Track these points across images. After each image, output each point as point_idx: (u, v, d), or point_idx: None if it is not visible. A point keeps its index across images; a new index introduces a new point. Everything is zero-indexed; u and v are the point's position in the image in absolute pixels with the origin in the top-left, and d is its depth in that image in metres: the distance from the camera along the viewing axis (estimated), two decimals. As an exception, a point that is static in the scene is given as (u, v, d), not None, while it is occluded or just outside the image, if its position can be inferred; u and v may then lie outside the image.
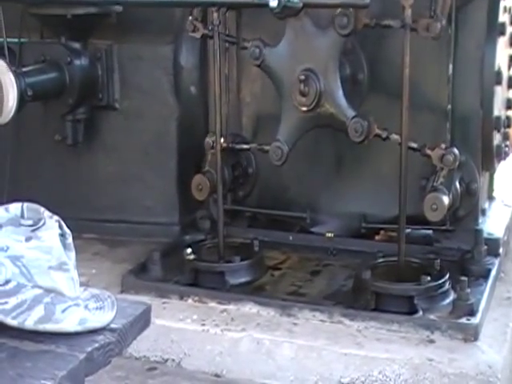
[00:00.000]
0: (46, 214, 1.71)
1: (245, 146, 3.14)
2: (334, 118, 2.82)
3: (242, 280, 2.89)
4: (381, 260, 2.85)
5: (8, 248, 1.65)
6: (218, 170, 2.98)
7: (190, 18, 3.01)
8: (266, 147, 2.95)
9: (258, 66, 2.91)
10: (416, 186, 2.89)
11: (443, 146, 2.76)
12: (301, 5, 2.68)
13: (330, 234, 3.16)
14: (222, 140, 3.01)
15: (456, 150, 2.75)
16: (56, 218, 1.71)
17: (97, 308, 1.71)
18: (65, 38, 3.24)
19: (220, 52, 2.95)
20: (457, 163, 2.75)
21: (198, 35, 3.02)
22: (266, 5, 2.63)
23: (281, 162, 2.90)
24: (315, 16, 2.80)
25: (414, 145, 2.76)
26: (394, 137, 2.76)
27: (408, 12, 2.60)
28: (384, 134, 2.78)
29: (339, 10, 2.72)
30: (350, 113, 2.79)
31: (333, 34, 2.76)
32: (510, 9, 3.09)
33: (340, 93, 2.81)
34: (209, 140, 3.09)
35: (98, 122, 3.40)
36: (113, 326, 1.70)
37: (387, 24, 2.71)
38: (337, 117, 2.81)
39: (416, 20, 2.65)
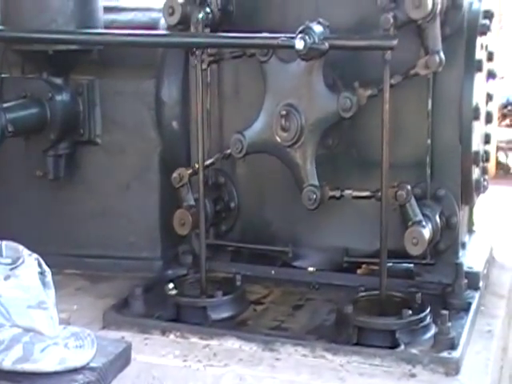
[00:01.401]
0: (25, 252, 1.71)
1: (209, 162, 3.12)
2: (296, 169, 2.89)
3: (225, 315, 2.87)
4: (363, 294, 2.85)
5: (-14, 287, 1.64)
6: (201, 205, 2.98)
7: (193, 56, 3.01)
8: (228, 151, 2.99)
9: (261, 62, 2.93)
10: (397, 219, 2.89)
11: (395, 183, 2.78)
12: (327, 46, 2.68)
13: (312, 269, 3.16)
14: (190, 172, 3.04)
15: (408, 186, 2.77)
16: (35, 256, 1.71)
17: (76, 346, 1.70)
18: (46, 74, 3.24)
19: (202, 87, 2.97)
20: (410, 196, 2.77)
21: (204, 66, 3.02)
22: (292, 46, 2.65)
23: (240, 154, 2.93)
24: (327, 74, 2.85)
25: (365, 193, 2.82)
26: (347, 192, 2.85)
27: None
28: (337, 194, 2.86)
29: (343, 92, 2.78)
30: (311, 179, 2.86)
31: (334, 107, 2.80)
32: (486, 46, 3.13)
33: (313, 153, 2.87)
34: (176, 175, 3.09)
35: (79, 158, 3.40)
36: (93, 364, 1.70)
37: (390, 84, 2.70)
38: (298, 170, 2.89)
39: (413, 66, 2.71)
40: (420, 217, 2.78)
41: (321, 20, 2.72)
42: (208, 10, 2.99)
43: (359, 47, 2.80)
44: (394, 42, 2.63)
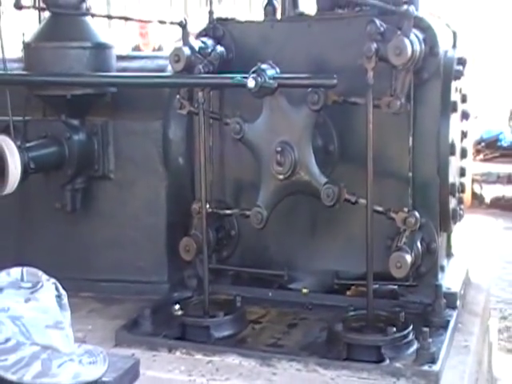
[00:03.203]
0: (44, 277, 1.73)
1: (228, 212, 3.17)
2: (308, 185, 2.87)
3: (226, 333, 2.89)
4: (352, 313, 2.86)
5: (9, 309, 1.66)
6: (204, 233, 3.01)
7: (178, 96, 3.06)
8: (248, 212, 2.99)
9: (239, 139, 2.96)
10: (383, 245, 2.92)
11: (406, 209, 2.80)
12: (276, 85, 2.75)
13: (305, 290, 3.18)
14: (208, 206, 3.05)
15: (417, 213, 2.81)
16: (53, 280, 1.73)
17: (90, 363, 1.71)
18: (65, 116, 3.29)
19: (204, 127, 3.01)
20: (418, 225, 2.80)
21: (184, 112, 3.07)
22: (244, 85, 2.70)
23: (261, 225, 2.94)
24: (289, 95, 2.86)
25: (380, 208, 2.82)
26: (362, 201, 2.81)
27: (370, 74, 2.66)
28: (353, 199, 2.84)
29: (311, 88, 2.79)
30: (322, 179, 2.84)
31: (305, 110, 2.83)
32: (460, 89, 3.17)
33: (313, 162, 2.86)
34: (195, 206, 3.12)
35: (94, 191, 3.43)
36: (104, 379, 1.71)
37: (354, 101, 2.78)
38: (310, 183, 2.86)
39: (379, 98, 2.72)
40: (409, 247, 2.79)
41: (270, 62, 2.77)
42: (211, 67, 3.04)
43: (304, 85, 2.84)
44: (335, 82, 2.68)
